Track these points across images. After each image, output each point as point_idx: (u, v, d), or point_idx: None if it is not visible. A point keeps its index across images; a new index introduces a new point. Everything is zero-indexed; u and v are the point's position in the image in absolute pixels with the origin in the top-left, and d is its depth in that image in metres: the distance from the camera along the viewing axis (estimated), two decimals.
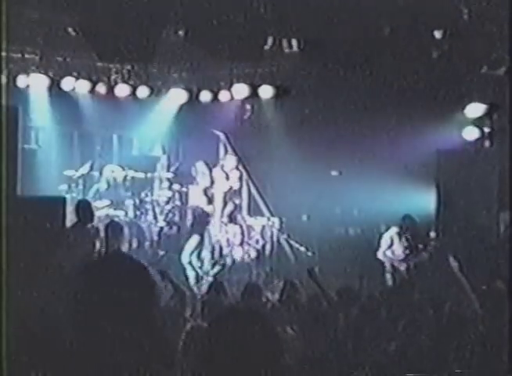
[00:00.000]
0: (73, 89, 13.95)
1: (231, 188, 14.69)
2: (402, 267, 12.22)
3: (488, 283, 8.05)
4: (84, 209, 10.17)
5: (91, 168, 14.26)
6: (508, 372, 5.23)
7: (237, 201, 14.72)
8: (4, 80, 12.60)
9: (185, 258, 12.62)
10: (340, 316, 7.21)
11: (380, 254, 12.34)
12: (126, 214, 13.97)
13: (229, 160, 14.77)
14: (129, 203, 14.09)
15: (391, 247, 12.29)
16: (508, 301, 6.25)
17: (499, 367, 5.36)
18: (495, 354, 5.48)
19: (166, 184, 14.60)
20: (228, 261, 13.72)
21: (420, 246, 12.30)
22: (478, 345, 5.63)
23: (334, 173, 13.90)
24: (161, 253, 13.45)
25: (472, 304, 6.50)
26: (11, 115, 9.26)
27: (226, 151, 14.93)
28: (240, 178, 14.71)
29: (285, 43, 13.68)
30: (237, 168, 14.71)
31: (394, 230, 12.29)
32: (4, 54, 11.00)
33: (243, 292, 8.51)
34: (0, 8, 4.08)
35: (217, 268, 12.77)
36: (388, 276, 12.27)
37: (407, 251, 12.21)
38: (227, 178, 14.67)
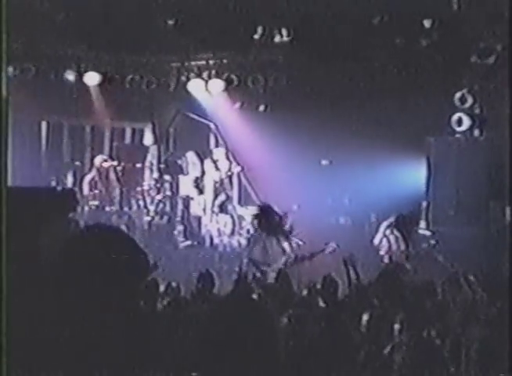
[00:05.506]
0: (64, 79, 13.92)
1: (221, 178, 14.68)
2: (395, 257, 12.23)
3: (479, 273, 8.07)
4: (69, 198, 10.09)
5: (82, 158, 14.24)
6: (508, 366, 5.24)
7: (228, 191, 14.71)
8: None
9: None
10: (331, 305, 7.25)
11: (376, 241, 12.36)
12: (116, 204, 13.97)
13: (220, 150, 14.76)
14: (119, 193, 14.08)
15: (387, 237, 12.28)
16: (508, 290, 6.25)
17: (497, 359, 5.36)
18: (491, 345, 5.49)
19: (156, 174, 14.59)
20: (219, 250, 13.74)
21: (413, 238, 12.32)
22: (475, 334, 5.65)
23: (324, 162, 13.92)
24: None
25: (465, 292, 6.51)
26: (1, 106, 9.25)
27: (217, 141, 14.92)
28: (231, 169, 14.70)
29: (275, 32, 13.68)
30: (227, 157, 14.70)
31: (391, 221, 12.24)
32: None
33: (234, 281, 8.53)
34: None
35: None
36: (380, 264, 12.28)
37: (402, 243, 12.21)
38: (217, 168, 14.66)
